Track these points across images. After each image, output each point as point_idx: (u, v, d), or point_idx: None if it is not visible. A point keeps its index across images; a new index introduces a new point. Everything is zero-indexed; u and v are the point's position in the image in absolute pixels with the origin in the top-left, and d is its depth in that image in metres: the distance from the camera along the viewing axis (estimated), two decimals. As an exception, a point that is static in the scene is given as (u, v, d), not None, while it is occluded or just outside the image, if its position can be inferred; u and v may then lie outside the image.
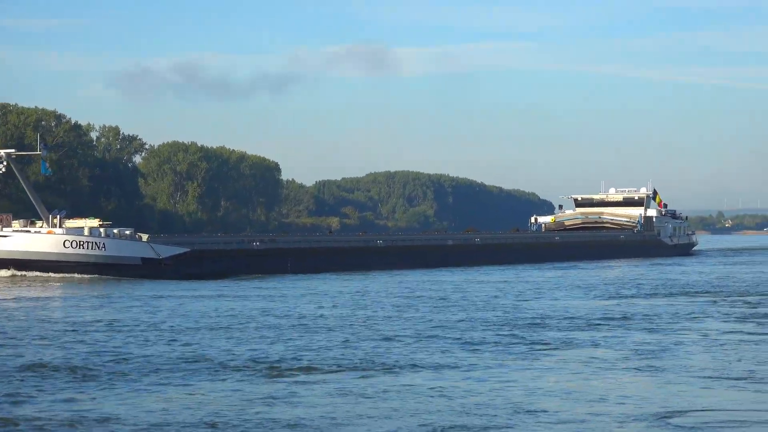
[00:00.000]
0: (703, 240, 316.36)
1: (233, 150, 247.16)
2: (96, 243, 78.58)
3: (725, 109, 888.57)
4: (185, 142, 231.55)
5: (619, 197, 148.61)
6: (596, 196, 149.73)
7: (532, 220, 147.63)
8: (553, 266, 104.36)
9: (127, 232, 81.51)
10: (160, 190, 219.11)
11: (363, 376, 29.80)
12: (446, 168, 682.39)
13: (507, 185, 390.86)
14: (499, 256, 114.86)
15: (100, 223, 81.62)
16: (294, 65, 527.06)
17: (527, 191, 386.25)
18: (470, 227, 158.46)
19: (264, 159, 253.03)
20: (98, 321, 45.81)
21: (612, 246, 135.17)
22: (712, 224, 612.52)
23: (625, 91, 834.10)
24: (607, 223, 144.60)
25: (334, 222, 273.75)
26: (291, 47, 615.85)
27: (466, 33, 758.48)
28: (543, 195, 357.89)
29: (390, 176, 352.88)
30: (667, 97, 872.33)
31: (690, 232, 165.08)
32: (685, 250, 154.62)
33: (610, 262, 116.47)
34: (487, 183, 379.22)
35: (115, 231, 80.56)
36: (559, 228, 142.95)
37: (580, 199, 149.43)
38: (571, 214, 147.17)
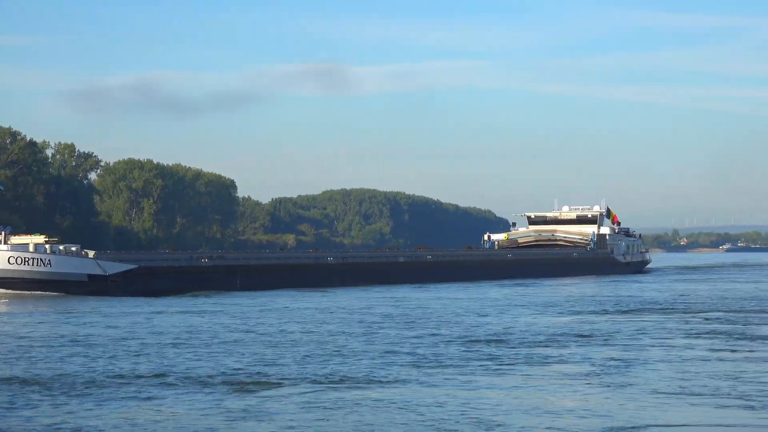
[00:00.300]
0: (658, 258, 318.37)
1: (189, 167, 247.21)
2: (41, 259, 77.94)
3: (680, 129, 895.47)
4: (141, 159, 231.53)
5: (573, 215, 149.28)
6: (549, 214, 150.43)
7: (486, 237, 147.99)
8: (507, 284, 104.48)
9: (73, 249, 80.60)
10: (116, 207, 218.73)
11: (330, 390, 30.24)
12: (402, 186, 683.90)
13: (463, 203, 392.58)
14: (451, 273, 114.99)
15: (46, 239, 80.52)
16: (251, 84, 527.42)
17: (483, 209, 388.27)
18: (422, 245, 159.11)
19: (220, 176, 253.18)
20: (60, 336, 46.17)
21: (565, 263, 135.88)
22: (668, 242, 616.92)
23: (581, 111, 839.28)
24: (560, 240, 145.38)
25: (290, 239, 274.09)
26: (248, 66, 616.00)
27: (423, 52, 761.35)
28: (499, 213, 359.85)
29: (346, 194, 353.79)
30: (623, 116, 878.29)
31: (643, 250, 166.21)
32: (639, 267, 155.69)
33: (563, 280, 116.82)
34: (443, 200, 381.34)
35: (61, 248, 79.79)
36: (513, 246, 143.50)
37: (533, 216, 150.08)
38: (524, 232, 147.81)
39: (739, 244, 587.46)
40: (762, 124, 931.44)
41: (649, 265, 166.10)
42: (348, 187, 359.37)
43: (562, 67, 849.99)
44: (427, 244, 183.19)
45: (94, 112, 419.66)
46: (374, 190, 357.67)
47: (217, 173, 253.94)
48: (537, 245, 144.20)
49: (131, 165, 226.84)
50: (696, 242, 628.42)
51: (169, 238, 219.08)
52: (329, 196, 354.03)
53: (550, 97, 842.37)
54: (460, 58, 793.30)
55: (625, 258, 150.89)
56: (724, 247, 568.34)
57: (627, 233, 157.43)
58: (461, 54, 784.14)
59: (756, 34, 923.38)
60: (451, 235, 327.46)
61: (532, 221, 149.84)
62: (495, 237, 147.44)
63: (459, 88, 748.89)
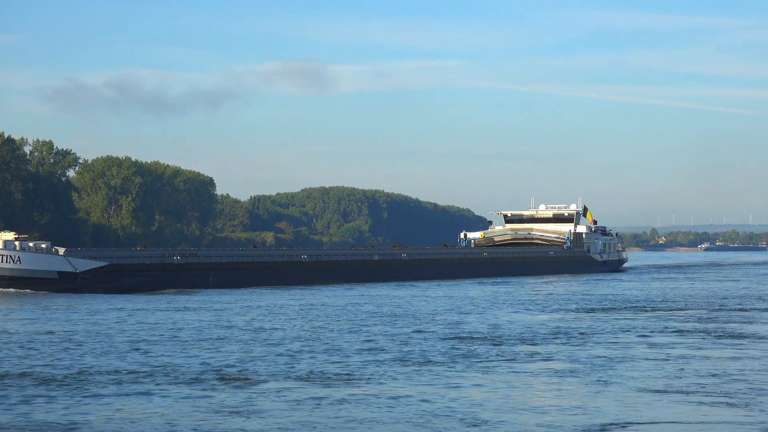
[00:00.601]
0: (636, 256, 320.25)
1: (167, 165, 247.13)
2: (10, 256, 77.57)
3: (658, 129, 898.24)
4: (119, 156, 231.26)
5: (549, 214, 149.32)
6: (526, 213, 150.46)
7: (462, 236, 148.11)
8: (483, 282, 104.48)
9: (43, 246, 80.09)
10: (94, 205, 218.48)
11: (317, 387, 30.58)
12: (381, 184, 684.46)
13: (442, 201, 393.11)
14: (426, 271, 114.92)
15: (16, 236, 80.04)
16: (229, 82, 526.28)
17: (462, 207, 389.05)
18: (397, 243, 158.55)
19: (198, 174, 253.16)
20: (45, 333, 46.36)
21: (542, 262, 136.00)
22: (646, 241, 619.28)
23: (558, 110, 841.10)
24: (536, 239, 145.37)
25: (268, 237, 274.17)
26: (226, 64, 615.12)
27: (401, 51, 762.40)
28: (478, 211, 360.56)
29: (325, 192, 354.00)
30: (599, 116, 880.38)
31: (620, 249, 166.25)
32: (615, 266, 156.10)
33: (540, 279, 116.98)
34: (422, 199, 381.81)
35: (31, 244, 79.28)
36: (489, 244, 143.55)
37: (510, 215, 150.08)
38: (500, 230, 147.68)
39: (717, 243, 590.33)
40: (739, 123, 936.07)
41: (625, 264, 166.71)
42: (327, 185, 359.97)
43: (539, 67, 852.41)
44: (406, 243, 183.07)
45: (73, 110, 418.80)
46: (353, 188, 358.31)
47: (196, 171, 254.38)
48: (513, 244, 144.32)
49: (110, 162, 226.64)
50: (674, 241, 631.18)
51: (147, 235, 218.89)
52: (308, 194, 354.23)
53: (527, 96, 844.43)
54: (436, 58, 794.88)
55: (601, 257, 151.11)
56: (703, 246, 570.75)
57: (604, 232, 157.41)
58: (438, 54, 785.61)
59: (729, 34, 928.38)
60: (429, 234, 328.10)
61: (508, 220, 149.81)
62: (471, 235, 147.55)
63: (436, 88, 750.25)
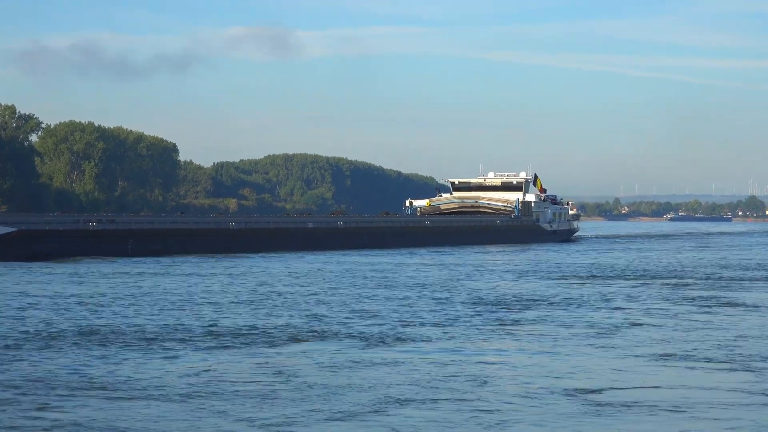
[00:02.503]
0: (597, 226, 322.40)
1: (131, 130, 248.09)
2: None
3: (624, 98, 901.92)
4: (82, 121, 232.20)
5: (498, 181, 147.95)
6: (474, 180, 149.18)
7: (407, 203, 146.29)
8: (423, 252, 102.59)
9: None
10: (57, 170, 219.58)
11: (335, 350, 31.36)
12: (345, 151, 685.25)
13: (405, 169, 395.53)
14: (363, 240, 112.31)
15: None
16: (194, 46, 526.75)
17: (425, 175, 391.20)
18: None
19: (161, 140, 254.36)
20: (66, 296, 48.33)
21: (487, 231, 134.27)
22: (609, 211, 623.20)
23: (526, 78, 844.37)
24: (483, 207, 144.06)
25: (231, 203, 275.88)
26: (191, 28, 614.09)
27: (369, 17, 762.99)
28: (441, 179, 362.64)
29: (288, 158, 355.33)
30: (567, 84, 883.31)
31: (570, 218, 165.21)
32: (566, 236, 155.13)
33: (485, 248, 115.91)
34: (385, 167, 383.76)
35: None
36: (435, 212, 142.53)
37: (457, 182, 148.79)
38: (447, 198, 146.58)
39: (680, 214, 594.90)
40: (705, 94, 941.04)
41: (577, 234, 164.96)
42: (290, 152, 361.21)
43: (508, 35, 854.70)
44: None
45: (35, 74, 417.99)
46: (316, 155, 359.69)
47: (159, 136, 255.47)
48: (460, 212, 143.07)
49: (72, 127, 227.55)
50: (637, 211, 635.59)
51: (110, 201, 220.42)
52: (271, 160, 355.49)
53: (495, 64, 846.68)
54: (405, 24, 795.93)
55: (551, 226, 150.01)
56: (668, 216, 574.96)
57: (554, 201, 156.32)
58: (407, 20, 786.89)
59: (699, 4, 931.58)
60: (392, 201, 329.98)
61: (456, 187, 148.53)
62: (417, 203, 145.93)
63: (403, 55, 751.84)
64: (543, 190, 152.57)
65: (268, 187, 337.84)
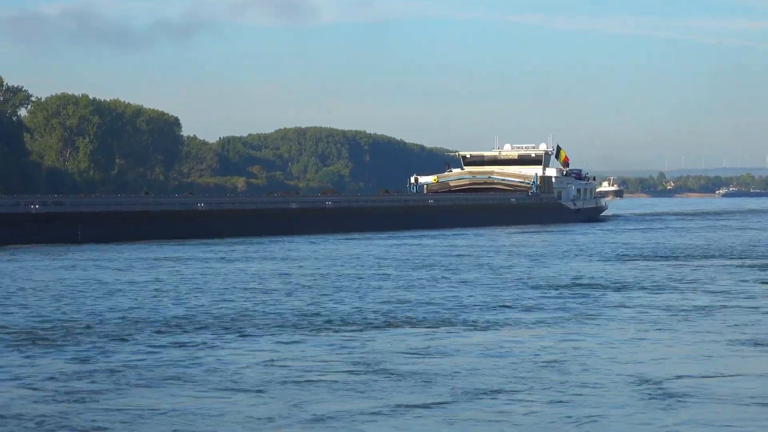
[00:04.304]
0: (638, 204, 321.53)
1: (129, 103, 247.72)
2: None
3: (667, 64, 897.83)
4: (76, 94, 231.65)
5: (514, 154, 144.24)
6: (488, 153, 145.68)
7: (412, 180, 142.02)
8: (421, 235, 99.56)
9: None
10: (48, 147, 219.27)
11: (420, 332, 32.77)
12: (363, 124, 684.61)
13: (429, 143, 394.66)
14: (356, 223, 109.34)
15: None
16: (198, 12, 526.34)
17: (451, 150, 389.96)
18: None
19: (163, 113, 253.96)
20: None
21: (501, 210, 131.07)
22: (653, 186, 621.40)
23: (552, 44, 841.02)
24: (497, 184, 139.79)
25: (240, 182, 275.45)
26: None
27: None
28: (452, 151, 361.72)
29: (301, 132, 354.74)
30: (605, 49, 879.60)
31: (598, 195, 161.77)
32: (592, 215, 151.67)
33: (497, 230, 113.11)
34: (407, 140, 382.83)
35: None
36: (444, 190, 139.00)
37: (468, 156, 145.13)
38: (457, 174, 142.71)
39: (731, 189, 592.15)
40: (756, 58, 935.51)
41: (605, 212, 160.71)
42: (303, 126, 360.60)
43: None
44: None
45: (25, 42, 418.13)
46: (332, 128, 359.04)
47: (160, 110, 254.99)
48: (471, 189, 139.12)
49: (65, 100, 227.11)
50: (684, 186, 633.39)
51: (107, 180, 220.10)
52: (283, 134, 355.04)
53: (523, 28, 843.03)
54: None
55: (574, 204, 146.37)
56: (720, 191, 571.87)
57: (579, 176, 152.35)
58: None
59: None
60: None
61: (467, 161, 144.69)
62: (423, 180, 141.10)
63: (423, 18, 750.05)
64: (567, 164, 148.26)
65: (280, 164, 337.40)
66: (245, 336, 32.25)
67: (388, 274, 53.26)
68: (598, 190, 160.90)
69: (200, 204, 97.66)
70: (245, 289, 45.97)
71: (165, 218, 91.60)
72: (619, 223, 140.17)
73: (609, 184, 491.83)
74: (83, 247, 76.25)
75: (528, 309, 38.94)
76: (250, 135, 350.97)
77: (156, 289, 45.46)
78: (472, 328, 34.05)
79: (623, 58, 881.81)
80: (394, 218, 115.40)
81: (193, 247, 77.99)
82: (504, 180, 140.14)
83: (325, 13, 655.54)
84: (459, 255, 68.10)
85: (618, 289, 45.94)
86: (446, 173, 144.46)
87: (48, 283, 47.73)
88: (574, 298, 42.76)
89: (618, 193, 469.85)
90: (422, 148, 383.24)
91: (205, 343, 30.80)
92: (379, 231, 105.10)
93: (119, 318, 35.82)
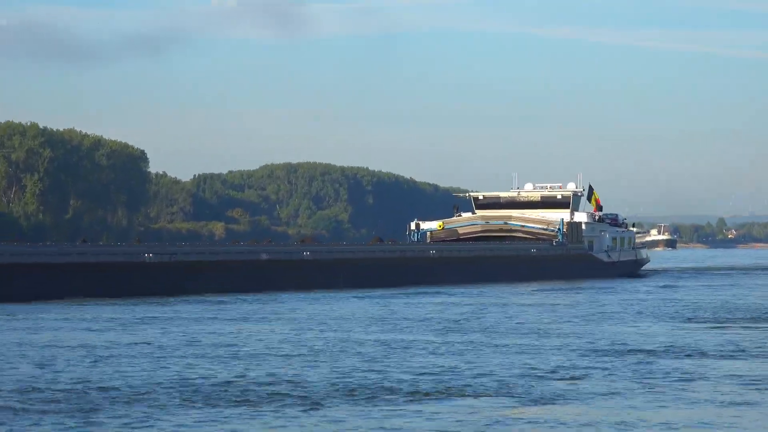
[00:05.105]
0: (695, 256, 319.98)
1: (86, 134, 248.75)
2: None
3: (722, 84, 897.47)
4: (23, 123, 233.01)
5: (537, 196, 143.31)
6: (504, 194, 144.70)
7: (413, 226, 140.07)
8: (417, 293, 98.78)
9: None
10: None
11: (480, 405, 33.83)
12: (365, 160, 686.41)
13: (444, 182, 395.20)
14: (341, 276, 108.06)
15: None
16: (172, 24, 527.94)
17: (468, 189, 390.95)
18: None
19: (126, 145, 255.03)
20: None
21: (519, 264, 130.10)
22: (711, 235, 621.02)
23: (586, 61, 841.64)
24: (515, 231, 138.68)
25: (218, 228, 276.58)
26: (169, 1, 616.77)
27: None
28: (461, 192, 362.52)
29: (291, 169, 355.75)
30: (641, 68, 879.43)
31: (638, 245, 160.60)
32: (630, 269, 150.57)
33: (514, 287, 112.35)
34: (417, 179, 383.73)
35: None
36: (451, 238, 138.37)
37: (481, 197, 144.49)
38: (467, 219, 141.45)
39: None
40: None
41: (646, 266, 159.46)
42: (294, 161, 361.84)
43: (565, 4, 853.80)
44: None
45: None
46: (329, 164, 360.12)
47: (123, 141, 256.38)
48: (484, 237, 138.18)
49: (10, 130, 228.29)
50: (748, 234, 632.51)
51: (60, 225, 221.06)
52: (269, 172, 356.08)
53: (553, 42, 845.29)
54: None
55: (609, 256, 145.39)
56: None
57: (615, 221, 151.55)
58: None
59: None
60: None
61: (480, 204, 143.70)
62: (426, 226, 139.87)
63: (435, 31, 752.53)
64: (600, 208, 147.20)
65: (266, 207, 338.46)
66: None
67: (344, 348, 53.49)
68: (646, 239, 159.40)
69: (149, 254, 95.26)
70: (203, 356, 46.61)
71: (99, 271, 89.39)
72: (664, 279, 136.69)
73: (659, 233, 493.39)
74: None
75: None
76: (230, 172, 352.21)
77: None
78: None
79: (676, 75, 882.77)
80: (386, 272, 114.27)
81: (105, 307, 76.95)
82: (524, 226, 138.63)
83: (325, 24, 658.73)
84: (446, 323, 65.10)
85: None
86: (454, 218, 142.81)
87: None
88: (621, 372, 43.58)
89: (670, 243, 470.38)
90: (436, 188, 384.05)
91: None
92: (368, 287, 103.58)
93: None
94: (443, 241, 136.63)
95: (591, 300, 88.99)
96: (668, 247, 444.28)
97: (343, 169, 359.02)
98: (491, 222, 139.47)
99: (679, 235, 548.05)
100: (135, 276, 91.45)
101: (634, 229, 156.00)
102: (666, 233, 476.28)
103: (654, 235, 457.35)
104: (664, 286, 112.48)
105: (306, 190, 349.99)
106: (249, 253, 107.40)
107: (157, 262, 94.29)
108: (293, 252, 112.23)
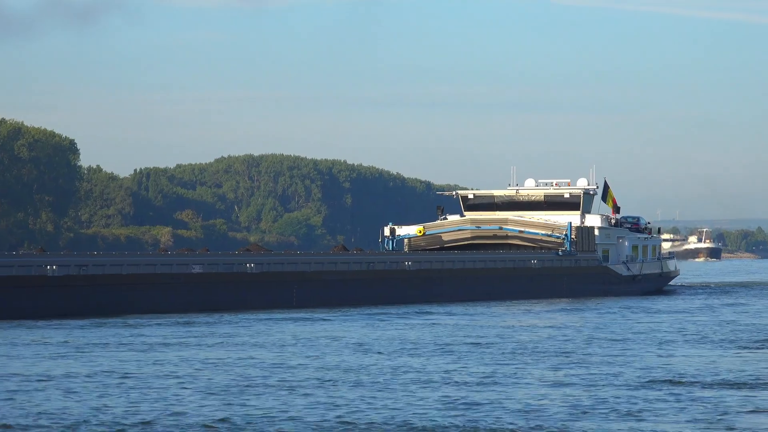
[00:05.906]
0: (741, 267, 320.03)
1: (3, 119, 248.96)
2: None
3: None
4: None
5: (539, 194, 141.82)
6: (500, 193, 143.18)
7: (387, 231, 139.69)
8: (380, 314, 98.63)
9: None
10: None
11: None
12: (343, 151, 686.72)
13: (437, 178, 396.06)
14: (292, 292, 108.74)
15: None
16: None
17: (467, 188, 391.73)
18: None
19: (52, 134, 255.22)
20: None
21: (516, 278, 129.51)
22: (762, 242, 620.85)
23: (610, 32, 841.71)
24: (512, 238, 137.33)
25: (164, 233, 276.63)
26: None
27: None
28: (447, 190, 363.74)
29: (253, 163, 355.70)
30: (677, 41, 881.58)
31: (666, 255, 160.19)
32: (653, 284, 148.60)
33: (508, 307, 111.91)
34: (406, 175, 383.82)
35: None
36: (433, 246, 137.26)
37: (472, 196, 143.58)
38: (454, 223, 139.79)
39: None
40: None
41: (675, 280, 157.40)
42: (257, 153, 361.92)
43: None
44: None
45: None
46: (298, 157, 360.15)
47: (49, 130, 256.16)
48: (474, 245, 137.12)
49: None
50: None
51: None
52: (226, 165, 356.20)
53: (560, 8, 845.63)
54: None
55: (628, 268, 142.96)
56: None
57: (636, 226, 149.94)
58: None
59: None
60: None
61: (470, 204, 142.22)
62: (404, 231, 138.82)
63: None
64: (617, 209, 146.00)
65: (222, 207, 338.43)
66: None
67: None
68: (683, 248, 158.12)
69: (52, 267, 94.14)
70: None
71: (2, 287, 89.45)
72: (699, 297, 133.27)
73: (698, 240, 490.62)
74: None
75: None
76: (179, 166, 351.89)
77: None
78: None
79: (721, 49, 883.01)
80: (350, 289, 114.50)
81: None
82: (523, 232, 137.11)
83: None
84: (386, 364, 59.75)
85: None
86: (438, 222, 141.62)
87: None
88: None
89: (713, 253, 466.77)
90: (429, 186, 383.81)
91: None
92: (327, 307, 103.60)
93: None
94: (424, 249, 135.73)
95: (593, 324, 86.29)
96: (711, 258, 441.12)
97: (315, 163, 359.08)
98: (483, 227, 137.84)
99: (724, 243, 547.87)
100: (31, 293, 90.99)
101: (663, 236, 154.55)
102: (708, 241, 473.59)
103: (693, 243, 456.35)
104: (683, 311, 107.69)
105: (270, 187, 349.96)
106: (178, 265, 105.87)
107: (62, 275, 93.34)
108: (233, 263, 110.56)
